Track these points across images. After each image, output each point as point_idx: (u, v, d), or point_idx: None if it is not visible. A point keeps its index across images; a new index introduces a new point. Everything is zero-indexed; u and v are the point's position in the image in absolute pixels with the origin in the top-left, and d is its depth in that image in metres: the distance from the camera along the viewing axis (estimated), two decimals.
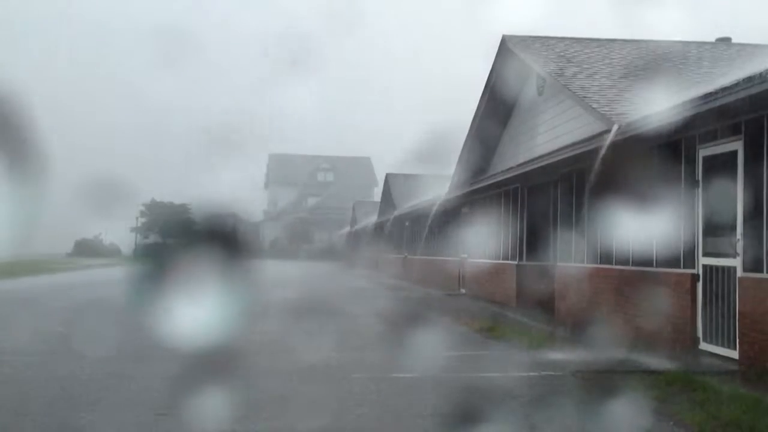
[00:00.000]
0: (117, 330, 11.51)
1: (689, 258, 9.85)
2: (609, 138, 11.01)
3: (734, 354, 8.65)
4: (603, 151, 11.09)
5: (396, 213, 36.41)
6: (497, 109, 19.33)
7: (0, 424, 5.99)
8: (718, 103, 8.43)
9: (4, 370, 8.28)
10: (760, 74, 7.66)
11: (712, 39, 18.96)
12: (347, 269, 46.94)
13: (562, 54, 16.54)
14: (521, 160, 16.66)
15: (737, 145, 8.85)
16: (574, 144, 13.05)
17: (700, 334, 9.53)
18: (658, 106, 10.36)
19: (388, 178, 44.94)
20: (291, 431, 5.97)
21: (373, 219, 47.16)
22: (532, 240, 17.01)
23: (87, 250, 73.42)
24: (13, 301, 18.76)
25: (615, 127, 11.03)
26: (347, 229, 63.92)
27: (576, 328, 11.73)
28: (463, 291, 22.27)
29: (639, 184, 11.23)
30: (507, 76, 18.25)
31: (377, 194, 61.72)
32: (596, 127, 12.34)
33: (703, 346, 9.42)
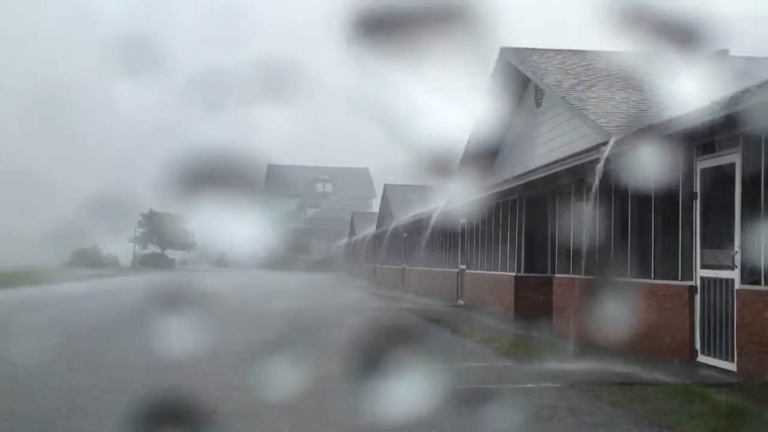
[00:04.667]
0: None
1: (687, 270, 9.85)
2: (607, 150, 11.04)
3: (732, 366, 8.64)
4: (601, 163, 11.11)
5: (394, 224, 36.41)
6: (496, 120, 19.39)
7: None
8: (715, 115, 8.46)
9: None
10: (758, 86, 7.69)
11: (710, 51, 19.01)
12: (345, 280, 46.86)
13: (560, 66, 16.60)
14: (519, 172, 16.68)
15: (735, 158, 8.88)
16: (572, 156, 13.07)
17: (698, 346, 9.53)
18: (656, 118, 10.40)
19: (387, 189, 45.00)
20: None
21: (371, 230, 47.16)
22: (531, 251, 17.01)
23: (85, 260, 73.04)
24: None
25: (613, 140, 11.06)
26: (345, 239, 63.90)
27: (574, 340, 11.71)
28: (461, 302, 22.25)
29: (637, 196, 11.26)
30: (505, 88, 18.32)
31: (376, 205, 61.81)
32: (594, 139, 12.37)
33: (702, 358, 9.41)
